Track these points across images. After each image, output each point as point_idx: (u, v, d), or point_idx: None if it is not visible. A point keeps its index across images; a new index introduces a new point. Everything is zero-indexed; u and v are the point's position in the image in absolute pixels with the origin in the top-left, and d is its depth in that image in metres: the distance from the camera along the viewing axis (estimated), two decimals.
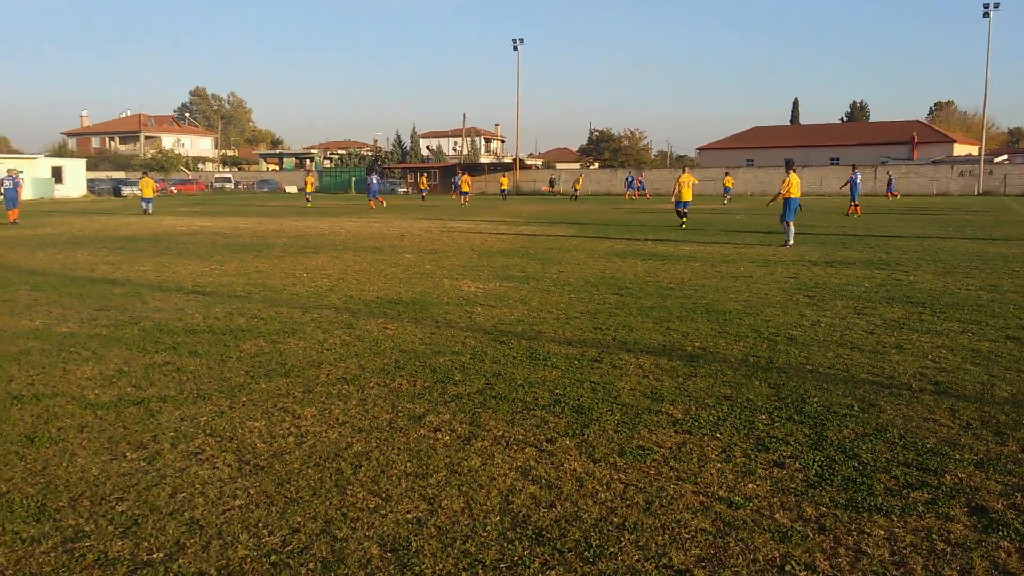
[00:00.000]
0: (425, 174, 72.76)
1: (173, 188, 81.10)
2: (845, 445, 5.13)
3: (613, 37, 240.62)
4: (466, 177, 53.69)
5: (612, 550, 3.79)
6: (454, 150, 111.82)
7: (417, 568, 3.66)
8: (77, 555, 3.82)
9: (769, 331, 8.66)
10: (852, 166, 37.71)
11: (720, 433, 5.39)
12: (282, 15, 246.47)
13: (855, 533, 3.93)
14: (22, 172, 60.28)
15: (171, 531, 4.06)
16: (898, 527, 3.99)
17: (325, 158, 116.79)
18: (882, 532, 3.93)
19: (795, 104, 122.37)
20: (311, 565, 3.70)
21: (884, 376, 6.79)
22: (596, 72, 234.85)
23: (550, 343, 8.23)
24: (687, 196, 26.26)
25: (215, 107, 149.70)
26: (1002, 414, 5.72)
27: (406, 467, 4.88)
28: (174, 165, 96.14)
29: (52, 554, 3.83)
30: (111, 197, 68.93)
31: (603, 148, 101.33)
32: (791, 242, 18.83)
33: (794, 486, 4.52)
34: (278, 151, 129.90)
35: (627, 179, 62.58)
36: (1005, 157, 78.33)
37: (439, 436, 5.44)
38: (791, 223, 18.97)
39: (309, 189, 51.48)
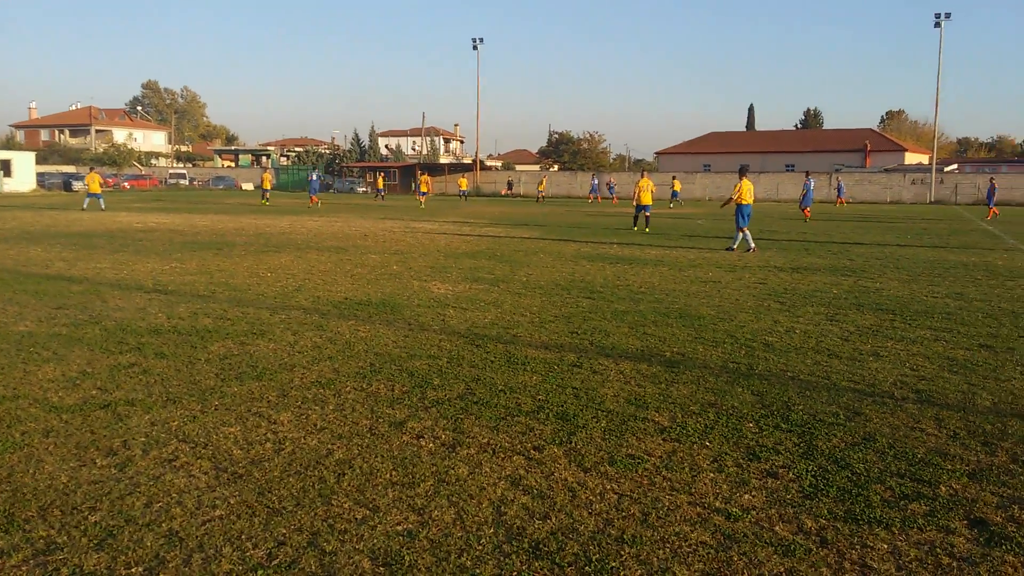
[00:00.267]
0: (382, 174, 71.77)
1: (126, 184, 79.41)
2: (836, 455, 5.09)
3: (572, 39, 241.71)
4: (425, 177, 53.47)
5: (613, 564, 3.68)
6: (413, 149, 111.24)
7: None
8: (51, 569, 3.61)
9: (745, 337, 8.64)
10: (806, 173, 38.27)
11: (709, 441, 5.32)
12: (237, 7, 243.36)
13: (858, 547, 3.86)
14: None
15: (149, 543, 3.86)
16: (900, 540, 3.94)
17: (282, 156, 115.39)
18: (885, 546, 3.88)
19: (751, 110, 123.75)
20: None
21: (865, 384, 6.79)
22: (555, 74, 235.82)
23: (527, 347, 8.11)
24: (647, 200, 26.52)
25: (168, 101, 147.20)
26: (987, 423, 5.73)
27: (391, 476, 4.73)
28: (127, 160, 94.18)
29: (24, 568, 3.62)
30: (62, 191, 67.32)
31: (563, 150, 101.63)
32: (744, 246, 18.91)
33: (790, 497, 4.46)
34: (233, 147, 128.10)
35: (592, 183, 62.72)
36: (955, 166, 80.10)
37: (423, 443, 5.29)
38: (745, 229, 19.08)
39: (266, 186, 50.93)
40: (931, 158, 70.79)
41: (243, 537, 3.94)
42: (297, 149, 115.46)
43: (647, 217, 26.70)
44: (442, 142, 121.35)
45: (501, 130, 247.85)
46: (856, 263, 16.33)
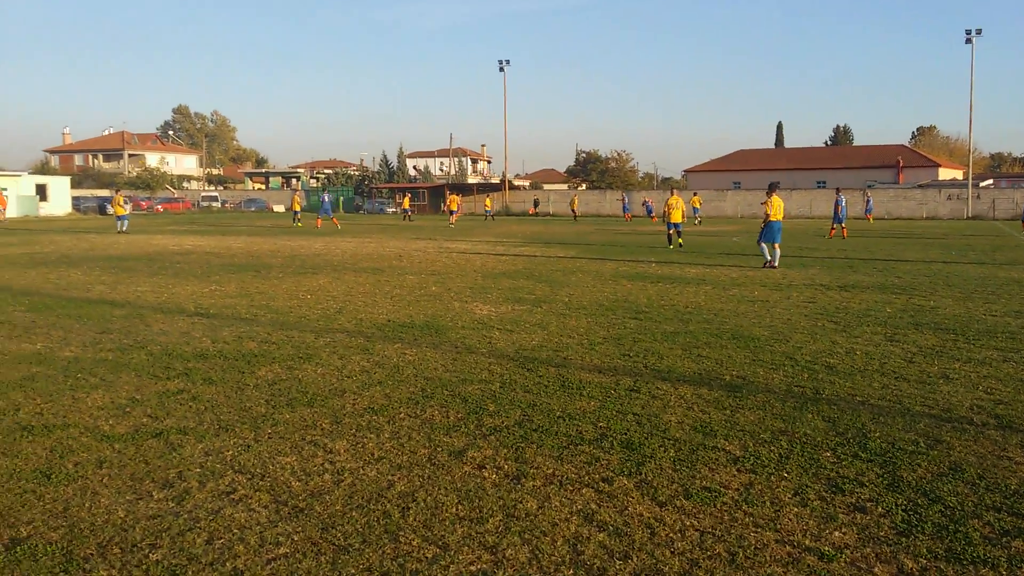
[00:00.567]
0: (408, 194, 71.85)
1: (159, 207, 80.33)
2: (924, 487, 4.81)
3: (599, 59, 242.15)
4: (454, 197, 53.55)
5: None
6: (441, 170, 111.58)
7: None
8: None
9: (805, 359, 8.36)
10: (836, 189, 37.83)
11: (787, 472, 5.06)
12: (265, 33, 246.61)
13: None
14: (6, 188, 59.58)
15: None
16: None
17: (311, 177, 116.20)
18: None
19: (779, 128, 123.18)
20: None
21: (940, 408, 6.49)
22: (582, 94, 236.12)
23: (580, 371, 7.89)
24: (677, 218, 26.58)
25: (198, 125, 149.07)
26: None
27: (457, 510, 4.52)
28: (160, 184, 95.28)
29: None
30: (96, 215, 68.13)
31: (590, 169, 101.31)
32: (771, 263, 18.96)
33: (883, 534, 4.19)
34: (264, 170, 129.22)
35: (624, 201, 62.51)
36: (991, 181, 78.92)
37: (485, 474, 5.08)
38: (777, 244, 19.05)
39: (296, 208, 51.18)
40: (966, 173, 69.77)
41: None
42: (326, 171, 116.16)
43: (679, 234, 26.73)
44: (469, 162, 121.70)
45: (528, 150, 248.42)
46: (905, 280, 15.94)
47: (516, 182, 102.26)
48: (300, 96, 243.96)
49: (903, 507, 4.53)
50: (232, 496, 4.73)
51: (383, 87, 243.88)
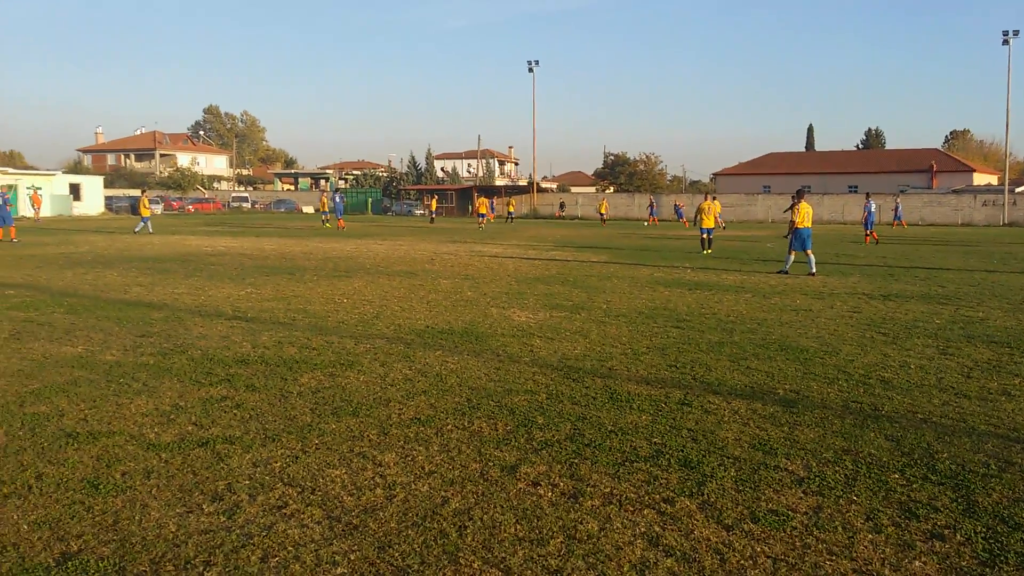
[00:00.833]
0: (435, 196, 72.01)
1: (191, 207, 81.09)
2: (1002, 513, 4.60)
3: (628, 60, 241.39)
4: (483, 200, 53.59)
5: None
6: (468, 172, 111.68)
7: None
8: None
9: (858, 373, 8.13)
10: (866, 194, 37.32)
11: (856, 495, 4.87)
12: (294, 34, 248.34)
13: None
14: (30, 187, 60.29)
15: None
16: None
17: (340, 178, 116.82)
18: None
19: (810, 130, 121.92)
20: None
21: (1006, 428, 6.26)
22: (610, 95, 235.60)
23: (627, 382, 7.72)
24: (709, 224, 26.47)
25: (228, 125, 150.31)
26: None
27: (516, 530, 4.38)
28: (191, 184, 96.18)
29: None
30: (129, 215, 68.80)
31: (618, 172, 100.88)
32: (787, 270, 19.02)
33: (965, 564, 4.00)
34: (293, 171, 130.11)
35: (651, 205, 62.02)
36: None
37: (541, 492, 4.93)
38: (809, 251, 18.88)
39: (324, 208, 51.45)
40: (1001, 178, 68.68)
41: None
42: (355, 172, 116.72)
43: (710, 240, 26.55)
44: (497, 164, 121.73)
45: (556, 152, 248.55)
46: (949, 290, 15.59)
47: (543, 184, 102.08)
48: (329, 97, 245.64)
49: (983, 535, 4.32)
50: (284, 511, 4.62)
51: (411, 88, 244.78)
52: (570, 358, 8.87)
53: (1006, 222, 61.23)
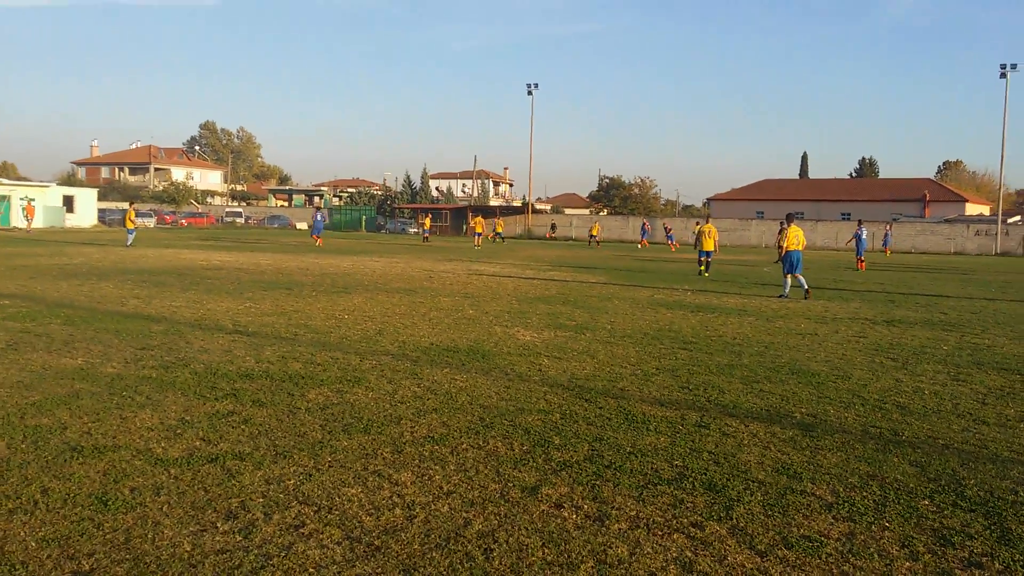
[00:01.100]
0: (428, 215, 71.73)
1: (184, 221, 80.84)
2: None
3: (624, 85, 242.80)
4: (479, 219, 53.54)
5: None
6: (463, 192, 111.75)
7: None
8: None
9: (873, 398, 8.03)
10: (858, 221, 37.55)
11: (888, 522, 4.75)
12: (292, 52, 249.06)
13: None
14: (24, 198, 60.00)
15: None
16: None
17: (335, 196, 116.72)
18: None
19: (804, 158, 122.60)
20: None
21: None
22: (606, 119, 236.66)
23: (640, 403, 7.60)
24: (708, 247, 26.56)
25: (224, 141, 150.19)
26: None
27: (543, 554, 4.24)
28: (185, 198, 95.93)
29: None
30: (121, 227, 68.48)
31: (613, 195, 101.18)
32: (787, 294, 18.97)
33: None
34: (287, 187, 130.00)
35: (643, 228, 61.94)
36: (1019, 217, 78.04)
37: (565, 514, 4.79)
38: (800, 275, 19.01)
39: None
40: (993, 208, 69.13)
41: None
42: (350, 190, 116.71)
43: (708, 263, 26.60)
44: (492, 185, 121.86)
45: (550, 173, 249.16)
46: (951, 317, 15.54)
47: (538, 206, 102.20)
48: (326, 114, 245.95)
49: (1021, 563, 4.21)
50: (301, 530, 4.47)
51: (408, 108, 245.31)
52: (580, 378, 8.74)
53: (998, 251, 61.57)
